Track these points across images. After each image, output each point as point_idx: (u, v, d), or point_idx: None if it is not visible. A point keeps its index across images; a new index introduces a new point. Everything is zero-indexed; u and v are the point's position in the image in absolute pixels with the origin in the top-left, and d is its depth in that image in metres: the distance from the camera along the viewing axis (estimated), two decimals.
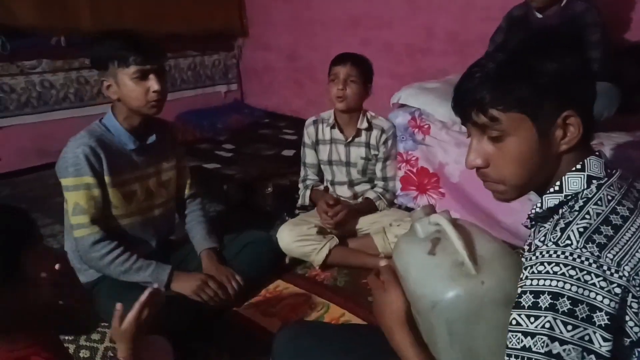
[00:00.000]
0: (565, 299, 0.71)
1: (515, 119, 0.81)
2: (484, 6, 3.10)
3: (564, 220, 0.79)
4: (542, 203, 0.86)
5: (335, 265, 2.15)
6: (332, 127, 2.30)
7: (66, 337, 1.46)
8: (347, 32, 3.91)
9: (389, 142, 2.31)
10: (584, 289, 0.71)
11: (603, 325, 0.70)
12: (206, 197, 2.88)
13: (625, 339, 0.73)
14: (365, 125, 2.26)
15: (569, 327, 0.71)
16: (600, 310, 0.70)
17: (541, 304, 0.73)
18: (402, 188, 2.55)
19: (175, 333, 1.51)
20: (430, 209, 0.95)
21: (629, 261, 0.73)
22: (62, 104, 3.76)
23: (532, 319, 0.73)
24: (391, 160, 2.36)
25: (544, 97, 0.80)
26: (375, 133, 2.28)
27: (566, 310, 0.71)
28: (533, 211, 0.89)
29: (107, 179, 1.66)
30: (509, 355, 0.75)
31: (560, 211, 0.84)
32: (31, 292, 0.93)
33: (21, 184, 3.41)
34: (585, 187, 0.82)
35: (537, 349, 0.72)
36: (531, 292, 0.74)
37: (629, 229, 0.77)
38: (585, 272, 0.72)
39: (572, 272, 0.72)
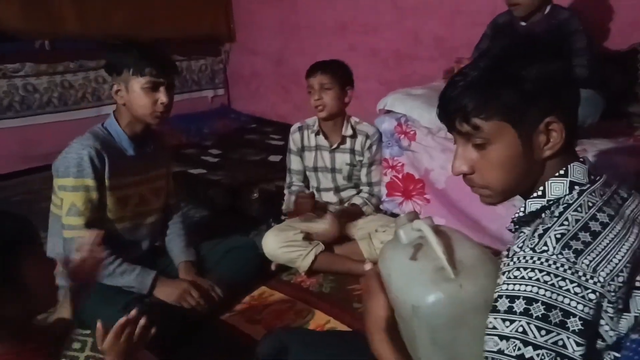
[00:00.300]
0: (539, 304, 0.72)
1: (498, 127, 0.82)
2: (471, 12, 3.11)
3: (542, 226, 0.79)
4: (525, 207, 0.87)
5: (321, 272, 2.14)
6: (317, 134, 2.30)
7: None
8: (335, 37, 3.91)
9: (374, 147, 2.31)
10: (558, 295, 0.72)
11: (577, 331, 0.71)
12: (192, 202, 2.87)
13: (600, 342, 0.74)
14: (349, 132, 2.26)
15: (543, 332, 0.71)
16: (574, 315, 0.71)
17: (516, 308, 0.73)
18: (388, 194, 2.55)
19: (159, 341, 1.49)
20: (414, 215, 0.95)
21: (605, 267, 0.73)
22: (45, 108, 3.70)
23: (507, 323, 0.74)
24: (376, 165, 2.36)
25: (526, 103, 0.81)
26: (360, 139, 2.29)
27: (540, 315, 0.72)
28: (516, 215, 0.90)
29: (107, 182, 1.68)
30: (486, 358, 0.75)
31: (542, 216, 0.84)
32: (29, 298, 0.92)
33: (4, 189, 3.34)
34: (568, 192, 0.82)
35: (509, 352, 0.72)
36: (507, 296, 0.75)
37: (607, 235, 0.77)
38: (560, 278, 0.72)
39: (547, 278, 0.73)
